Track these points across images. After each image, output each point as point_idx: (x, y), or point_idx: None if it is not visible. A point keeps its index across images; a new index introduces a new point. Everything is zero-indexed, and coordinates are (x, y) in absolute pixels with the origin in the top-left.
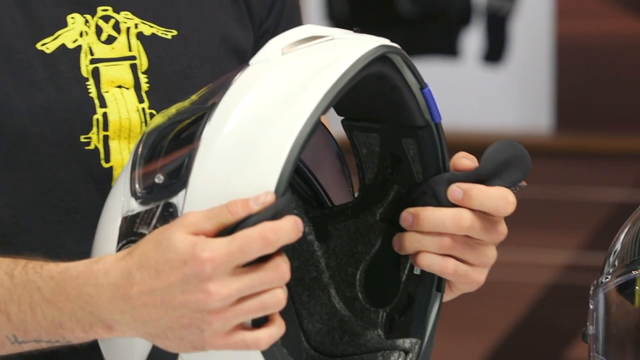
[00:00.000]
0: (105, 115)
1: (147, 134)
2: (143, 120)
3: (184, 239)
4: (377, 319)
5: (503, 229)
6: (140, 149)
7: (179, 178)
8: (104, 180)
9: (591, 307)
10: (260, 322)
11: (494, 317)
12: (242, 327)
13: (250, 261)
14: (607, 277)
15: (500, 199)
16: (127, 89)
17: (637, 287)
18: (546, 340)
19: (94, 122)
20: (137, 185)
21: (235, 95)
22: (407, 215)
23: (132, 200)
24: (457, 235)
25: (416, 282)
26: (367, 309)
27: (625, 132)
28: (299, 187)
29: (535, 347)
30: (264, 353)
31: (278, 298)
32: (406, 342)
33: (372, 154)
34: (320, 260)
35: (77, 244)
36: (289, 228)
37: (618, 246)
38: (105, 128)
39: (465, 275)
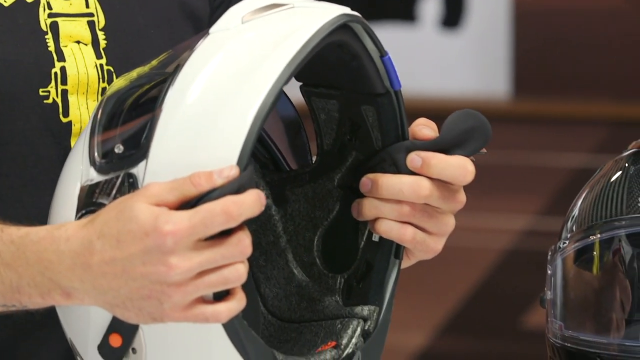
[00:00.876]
0: (63, 69)
1: (107, 98)
2: (101, 76)
3: (147, 210)
4: (335, 285)
5: (462, 197)
6: (99, 115)
7: (139, 148)
8: (62, 135)
9: (549, 272)
10: (221, 295)
11: (453, 282)
12: (202, 300)
13: (213, 235)
14: (564, 243)
15: (459, 168)
16: (85, 44)
17: (594, 253)
18: (504, 305)
19: (52, 76)
20: (95, 154)
21: (197, 65)
22: (366, 181)
23: (91, 169)
24: (416, 204)
25: (374, 249)
26: (325, 275)
27: (584, 97)
28: (256, 150)
29: (493, 312)
30: (224, 326)
31: (239, 273)
32: (364, 310)
33: (330, 120)
34: (277, 225)
35: (35, 199)
36: (252, 202)
37: (576, 211)
38: (64, 82)
39: (423, 243)
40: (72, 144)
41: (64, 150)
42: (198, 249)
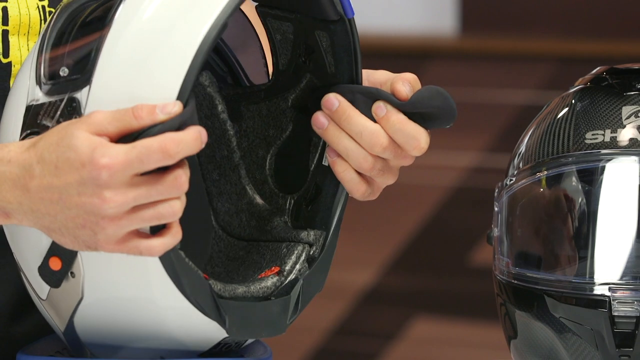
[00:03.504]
0: (5, 9)
1: (59, 13)
2: (42, 17)
3: (86, 139)
4: (285, 206)
5: (412, 158)
6: (49, 31)
7: (83, 73)
8: (2, 75)
9: (496, 209)
10: (158, 229)
11: (400, 220)
12: (138, 233)
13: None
14: (511, 179)
15: (413, 138)
16: None
17: (541, 189)
18: (451, 243)
19: None
20: (42, 73)
21: None
22: (333, 100)
23: (37, 88)
24: (377, 160)
25: (324, 173)
26: (276, 194)
27: (531, 33)
28: (214, 63)
29: (440, 249)
30: (160, 258)
31: (174, 209)
32: (310, 235)
33: (285, 41)
34: (232, 140)
35: None
36: (191, 139)
37: (522, 148)
38: (5, 22)
39: (368, 195)
40: (11, 85)
41: (3, 91)
42: (133, 184)
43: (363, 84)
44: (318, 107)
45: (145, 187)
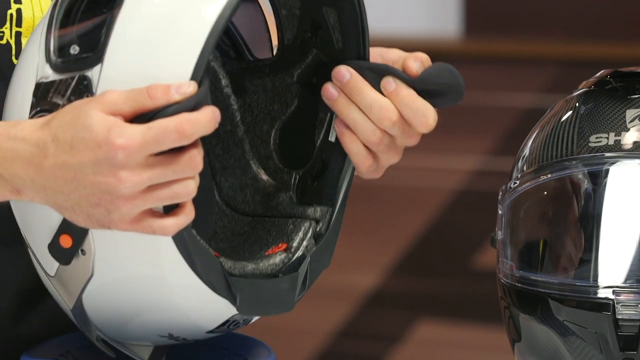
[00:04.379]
0: (19, 11)
1: None
2: None
3: (101, 119)
4: (290, 181)
5: (417, 138)
6: (58, 5)
7: (95, 51)
8: None
9: (500, 212)
10: (170, 208)
11: (403, 223)
12: (151, 213)
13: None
14: (515, 183)
15: (422, 114)
16: None
17: (545, 192)
18: (455, 246)
19: (8, 17)
20: (52, 50)
21: None
22: (345, 71)
23: (47, 65)
24: (385, 135)
25: (330, 148)
26: (281, 169)
27: (535, 36)
28: None
29: (443, 252)
30: (173, 237)
31: (188, 189)
32: (317, 211)
33: (291, 16)
34: (235, 114)
35: None
36: (207, 120)
37: (526, 151)
38: (19, 24)
39: (373, 172)
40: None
41: None
42: (149, 164)
43: (377, 62)
44: (324, 83)
45: (160, 167)
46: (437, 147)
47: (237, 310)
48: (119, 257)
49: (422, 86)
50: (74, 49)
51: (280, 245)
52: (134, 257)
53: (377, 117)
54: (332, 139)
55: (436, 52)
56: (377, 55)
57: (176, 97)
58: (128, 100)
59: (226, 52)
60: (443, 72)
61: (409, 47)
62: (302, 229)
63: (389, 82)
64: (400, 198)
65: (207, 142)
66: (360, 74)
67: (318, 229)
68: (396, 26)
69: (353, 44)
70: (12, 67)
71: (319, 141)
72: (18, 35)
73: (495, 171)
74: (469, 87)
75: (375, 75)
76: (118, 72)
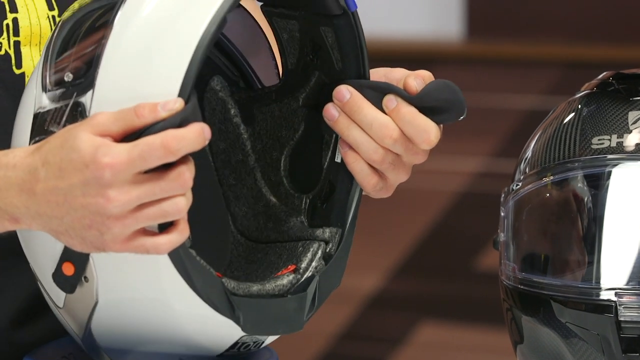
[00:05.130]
0: (15, 20)
1: (62, 23)
2: (53, 27)
3: (89, 140)
4: (301, 206)
5: (425, 154)
6: (53, 40)
7: (86, 77)
8: (16, 87)
9: (502, 214)
10: (165, 227)
11: (406, 225)
12: (144, 232)
13: (156, 168)
14: (517, 184)
15: (423, 130)
16: None
17: (547, 194)
18: (457, 248)
19: (4, 27)
20: (47, 81)
21: None
22: (345, 90)
23: (44, 95)
24: (388, 153)
25: (336, 169)
26: (292, 195)
27: (537, 38)
28: (225, 68)
29: (446, 254)
30: (170, 257)
31: (179, 206)
32: (326, 232)
33: (292, 40)
34: (246, 143)
35: None
36: (193, 136)
37: (529, 153)
38: (16, 33)
39: (380, 191)
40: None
41: (18, 102)
42: (137, 182)
43: (382, 81)
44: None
45: (148, 184)
46: (439, 149)
47: (242, 329)
48: (121, 282)
49: (421, 103)
50: (68, 77)
51: (289, 267)
52: (135, 280)
53: (378, 135)
54: (338, 159)
55: (438, 53)
56: (381, 75)
57: (163, 114)
58: (116, 120)
59: (235, 83)
60: (442, 88)
61: (411, 48)
62: (311, 250)
63: (390, 100)
64: (402, 200)
65: (220, 173)
66: (361, 93)
67: (328, 250)
68: (398, 28)
69: (352, 63)
70: (13, 77)
71: (326, 163)
72: (17, 44)
73: (497, 173)
74: (471, 89)
75: (377, 93)
76: (109, 95)
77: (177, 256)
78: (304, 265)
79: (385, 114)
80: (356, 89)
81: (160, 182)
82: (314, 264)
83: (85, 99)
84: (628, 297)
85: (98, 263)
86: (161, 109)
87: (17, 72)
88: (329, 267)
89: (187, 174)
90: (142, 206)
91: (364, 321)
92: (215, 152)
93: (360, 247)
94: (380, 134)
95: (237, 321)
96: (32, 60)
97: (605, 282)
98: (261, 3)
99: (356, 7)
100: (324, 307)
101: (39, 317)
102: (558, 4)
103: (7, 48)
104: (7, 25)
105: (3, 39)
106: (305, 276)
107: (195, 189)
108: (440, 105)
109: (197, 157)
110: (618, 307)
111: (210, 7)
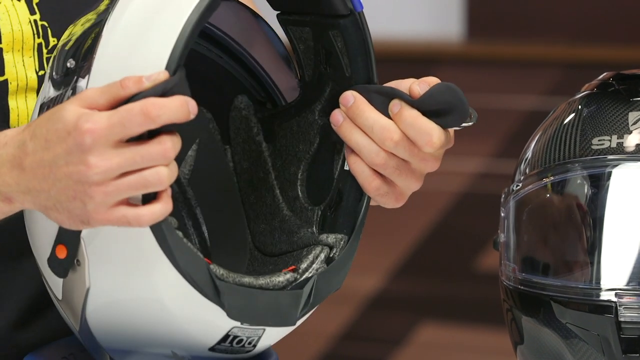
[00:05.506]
0: None
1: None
2: (35, 32)
3: (74, 110)
4: (313, 217)
5: (434, 162)
6: (68, 33)
7: (85, 61)
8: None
9: (502, 214)
10: (149, 200)
11: (406, 225)
12: (126, 203)
13: (139, 137)
14: (518, 185)
15: (425, 133)
16: (19, 0)
17: (547, 195)
18: (457, 248)
19: None
20: (54, 69)
21: None
22: (350, 96)
23: (49, 84)
24: (392, 157)
25: (345, 177)
26: (306, 208)
27: (537, 39)
28: (252, 88)
29: (446, 254)
30: (152, 230)
31: (160, 176)
32: (330, 237)
33: (308, 50)
34: (267, 161)
35: None
36: (175, 106)
37: (529, 154)
38: None
39: (385, 195)
40: (9, 102)
41: (2, 109)
42: (118, 149)
43: (388, 86)
44: None
45: (129, 151)
46: None
47: (227, 315)
48: (110, 264)
49: (423, 106)
50: (71, 63)
51: (289, 267)
52: (123, 262)
53: (379, 137)
54: (347, 167)
55: (438, 54)
56: (393, 85)
57: (147, 84)
58: (103, 93)
59: (262, 103)
60: (444, 91)
61: (411, 49)
62: (313, 252)
63: (395, 105)
64: None
65: (242, 192)
66: (367, 97)
67: (332, 254)
68: (399, 29)
69: (361, 67)
70: None
71: (337, 172)
72: None
73: (497, 174)
74: (471, 89)
75: (384, 98)
76: (102, 74)
77: (159, 230)
78: (304, 266)
79: (391, 118)
80: (363, 93)
81: (141, 149)
82: (315, 265)
83: (83, 83)
84: (628, 297)
85: (88, 244)
86: (146, 80)
87: (0, 79)
88: (329, 268)
89: (168, 143)
90: (123, 175)
91: (364, 321)
92: (239, 172)
93: (360, 247)
94: (381, 137)
95: (222, 306)
96: (14, 67)
97: (605, 283)
98: (277, 12)
99: (362, 7)
100: (325, 308)
101: (40, 319)
102: (558, 4)
103: None
104: None
105: None
106: (304, 276)
107: (219, 210)
108: (443, 108)
109: (223, 178)
110: (618, 308)
111: None
